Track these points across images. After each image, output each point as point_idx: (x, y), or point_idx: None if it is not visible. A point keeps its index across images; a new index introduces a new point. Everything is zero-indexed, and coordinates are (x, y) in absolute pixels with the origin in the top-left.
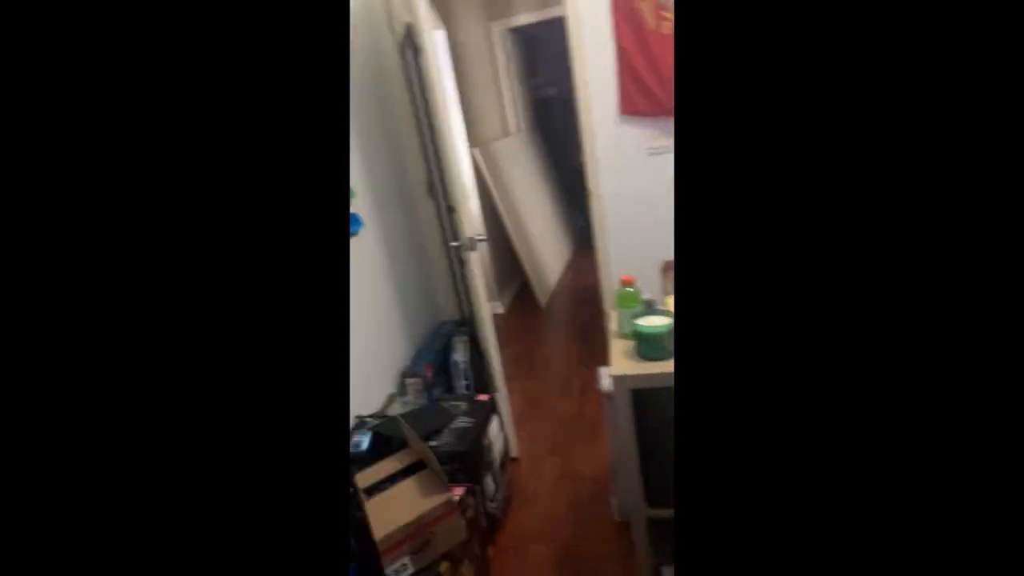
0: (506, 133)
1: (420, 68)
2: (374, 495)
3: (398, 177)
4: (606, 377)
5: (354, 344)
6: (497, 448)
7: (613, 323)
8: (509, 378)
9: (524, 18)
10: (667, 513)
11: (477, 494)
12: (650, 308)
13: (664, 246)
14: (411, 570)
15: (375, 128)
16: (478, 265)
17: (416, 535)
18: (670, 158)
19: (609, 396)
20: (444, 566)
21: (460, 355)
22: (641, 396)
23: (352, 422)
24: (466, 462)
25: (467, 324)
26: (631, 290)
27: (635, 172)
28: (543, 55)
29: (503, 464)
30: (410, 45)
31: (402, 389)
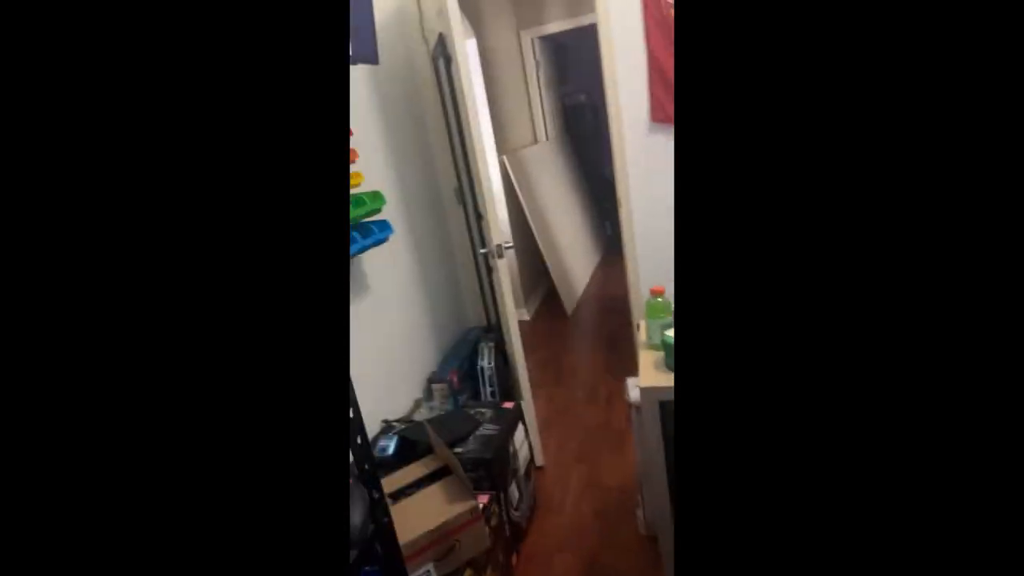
0: (535, 140)
1: (451, 77)
2: (399, 500)
3: (429, 184)
4: (634, 388)
5: (383, 349)
6: (522, 456)
7: (642, 333)
8: (535, 385)
9: (555, 26)
10: None
11: (502, 502)
12: None
13: None
14: None
15: (407, 136)
16: (505, 272)
17: (440, 541)
18: None
19: (637, 407)
20: (468, 573)
21: (486, 361)
22: (670, 408)
23: (379, 426)
24: (491, 469)
25: (494, 330)
26: (661, 300)
27: (665, 180)
28: (573, 62)
29: (528, 472)
30: (442, 54)
31: (428, 394)
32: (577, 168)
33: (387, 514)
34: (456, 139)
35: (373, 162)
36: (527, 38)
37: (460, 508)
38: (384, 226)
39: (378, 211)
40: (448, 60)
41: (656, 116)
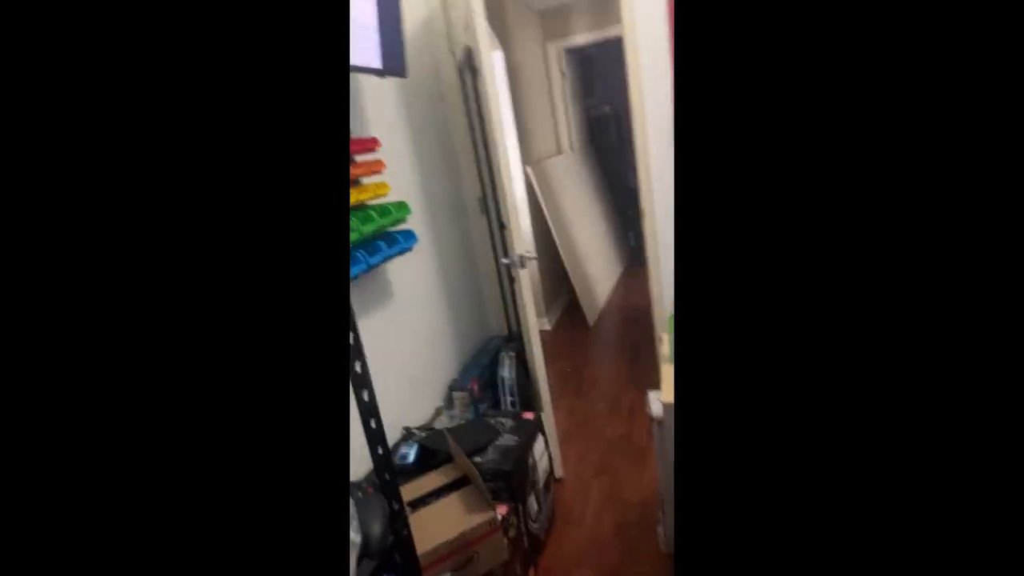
0: (559, 151)
1: (478, 89)
2: (418, 508)
3: (453, 194)
4: (656, 402)
5: (406, 356)
6: (541, 467)
7: (665, 346)
8: (555, 395)
9: (581, 38)
10: None
11: (520, 513)
12: None
13: None
14: None
15: (433, 147)
16: (527, 283)
17: (459, 552)
18: None
19: (659, 422)
20: None
21: (507, 371)
22: None
23: (399, 433)
24: (510, 481)
25: (515, 340)
26: None
27: None
28: (599, 74)
29: (547, 484)
30: (469, 67)
31: (449, 402)
32: (601, 178)
33: (406, 525)
34: (481, 150)
35: (399, 173)
36: (553, 50)
37: (479, 519)
38: (409, 235)
39: (403, 220)
40: (475, 73)
41: None
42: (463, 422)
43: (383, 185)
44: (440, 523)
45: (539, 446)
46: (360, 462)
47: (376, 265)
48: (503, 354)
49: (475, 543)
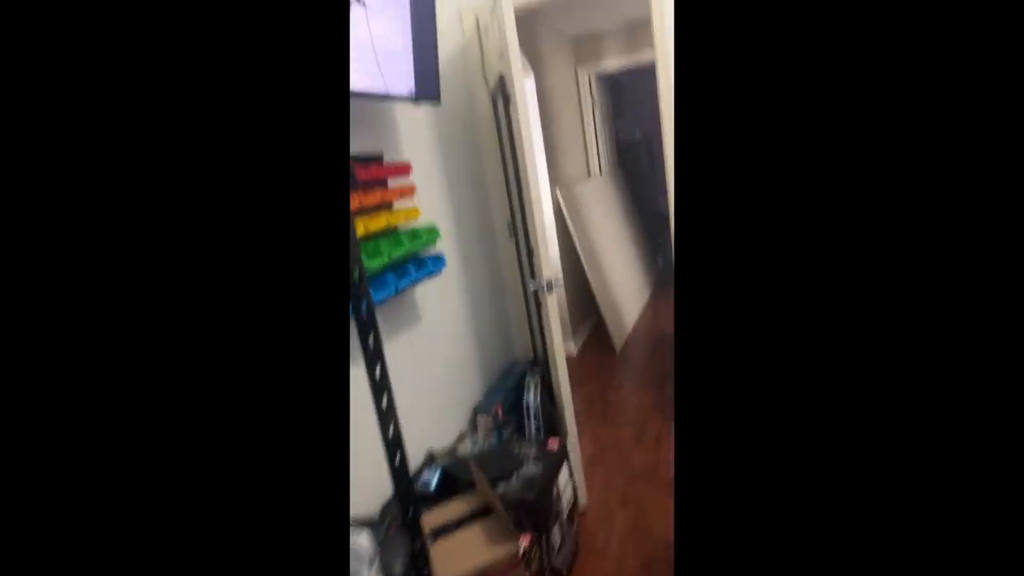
0: (589, 175)
1: (510, 116)
2: (439, 538)
3: (482, 218)
4: None
5: (431, 378)
6: (566, 498)
7: None
8: (580, 420)
9: (612, 63)
10: None
11: (543, 545)
12: None
13: None
14: None
15: (463, 172)
16: (555, 308)
17: None
18: None
19: None
20: None
21: (532, 396)
22: None
23: (422, 456)
24: (533, 511)
25: (540, 365)
26: None
27: None
28: (629, 99)
29: (571, 514)
30: (502, 94)
31: (473, 426)
32: (629, 203)
33: (427, 564)
34: (511, 175)
35: (430, 197)
36: (584, 75)
37: (500, 552)
38: (438, 259)
39: (433, 244)
40: (507, 99)
41: None
42: (487, 448)
43: (414, 210)
44: (461, 555)
45: (563, 475)
46: (383, 488)
47: (404, 289)
48: (528, 379)
49: None
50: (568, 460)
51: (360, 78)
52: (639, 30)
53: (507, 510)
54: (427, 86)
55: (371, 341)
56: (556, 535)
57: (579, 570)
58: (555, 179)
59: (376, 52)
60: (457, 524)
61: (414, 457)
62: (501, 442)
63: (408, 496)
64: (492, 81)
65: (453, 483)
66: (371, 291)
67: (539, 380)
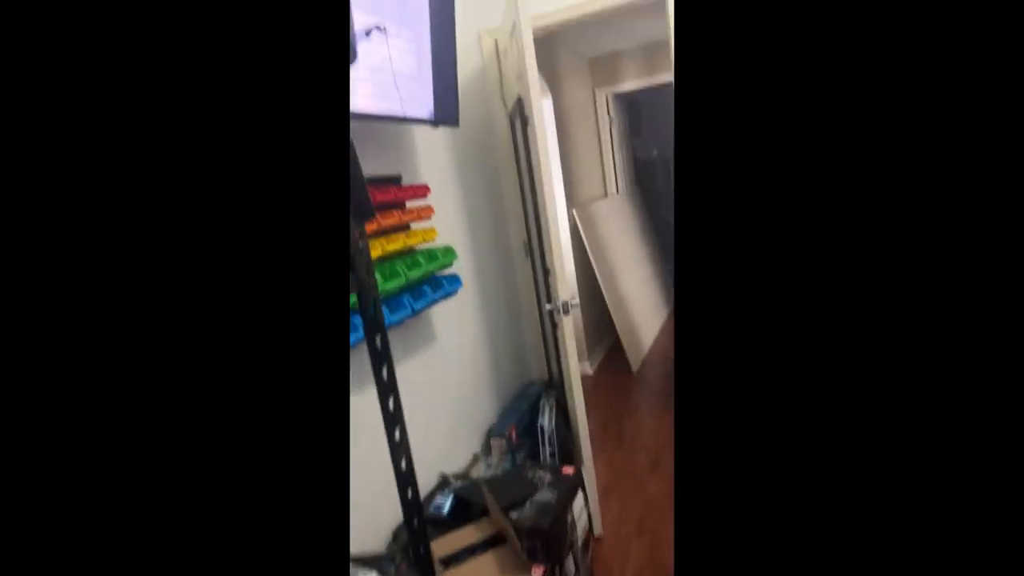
0: (606, 194)
1: (527, 137)
2: (450, 567)
3: (499, 238)
4: None
5: (446, 399)
6: (580, 526)
7: None
8: (595, 445)
9: (630, 84)
10: None
11: None
12: None
13: None
14: None
15: (481, 192)
16: (571, 330)
17: None
18: None
19: None
20: None
21: (547, 420)
22: None
23: (435, 479)
24: (547, 540)
25: (555, 386)
26: None
27: None
28: (646, 118)
29: (586, 543)
30: (520, 115)
31: (487, 449)
32: (646, 221)
33: None
34: (528, 195)
35: (447, 218)
36: (602, 95)
37: None
38: (454, 280)
39: (449, 265)
40: (525, 122)
41: None
42: (500, 472)
43: (431, 230)
44: None
45: (578, 503)
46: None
47: (420, 310)
48: (543, 402)
49: None
50: (584, 488)
51: (379, 102)
52: (657, 52)
53: (520, 538)
54: (446, 109)
55: (385, 373)
56: (570, 566)
57: None
58: (572, 198)
59: (395, 76)
60: (469, 552)
61: (426, 480)
62: (515, 466)
63: (420, 534)
64: (510, 102)
65: (466, 507)
66: (387, 312)
67: (554, 403)
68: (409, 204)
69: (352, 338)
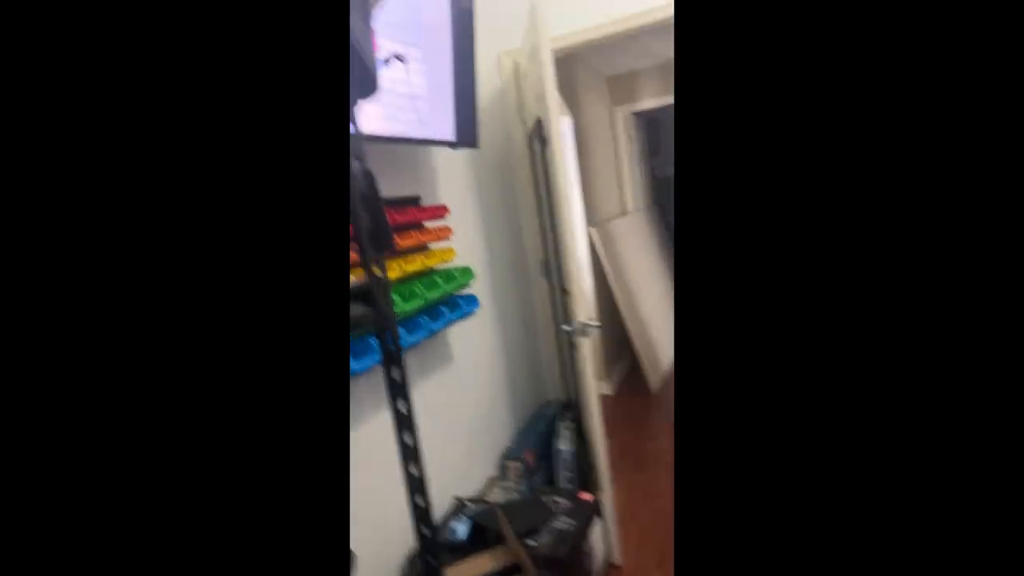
0: (624, 211)
1: (546, 157)
2: None
3: (516, 258)
4: None
5: (461, 420)
6: (599, 555)
7: None
8: (613, 469)
9: (648, 102)
10: None
11: None
12: None
13: None
14: None
15: (499, 212)
16: (589, 352)
17: None
18: None
19: None
20: None
21: (564, 444)
22: None
23: (450, 503)
24: (564, 570)
25: (572, 408)
26: None
27: None
28: (665, 136)
29: (604, 573)
30: (539, 136)
31: (503, 472)
32: (665, 239)
33: None
34: (546, 215)
35: (465, 238)
36: (620, 114)
37: None
38: (471, 300)
39: (467, 286)
40: (544, 142)
41: None
42: (516, 498)
43: (449, 250)
44: None
45: (597, 531)
46: (409, 534)
47: (438, 331)
48: (560, 424)
49: None
50: (602, 515)
51: (399, 125)
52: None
53: (537, 566)
54: (466, 131)
55: (402, 406)
56: None
57: None
58: (590, 216)
59: (416, 99)
60: None
61: (441, 502)
62: (531, 490)
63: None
64: (529, 122)
65: (482, 534)
66: (405, 333)
67: (572, 426)
68: (428, 225)
69: (368, 361)
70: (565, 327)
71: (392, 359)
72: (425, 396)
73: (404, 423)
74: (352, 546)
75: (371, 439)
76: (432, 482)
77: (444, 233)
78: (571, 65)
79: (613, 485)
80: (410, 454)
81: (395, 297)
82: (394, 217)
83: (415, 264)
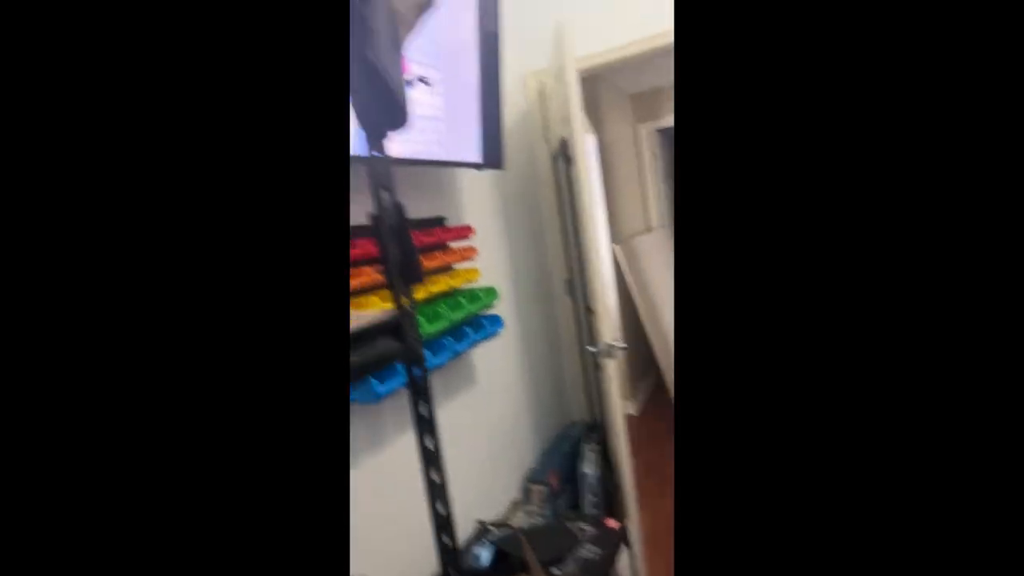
0: (648, 228)
1: (571, 177)
2: None
3: (540, 277)
4: None
5: (485, 442)
6: None
7: None
8: (639, 492)
9: (672, 120)
10: None
11: None
12: None
13: None
14: None
15: (523, 232)
16: (615, 374)
17: None
18: None
19: None
20: None
21: (589, 467)
22: None
23: (473, 526)
24: None
25: (597, 429)
26: None
27: None
28: None
29: None
30: (564, 156)
31: (526, 495)
32: None
33: None
34: (571, 235)
35: (490, 258)
36: (644, 131)
37: None
38: (495, 320)
39: (491, 306)
40: (569, 162)
41: None
42: (540, 521)
43: (474, 271)
44: None
45: (624, 560)
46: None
47: (462, 352)
48: (585, 446)
49: None
50: (629, 543)
51: (426, 148)
52: None
53: None
54: (492, 153)
55: (429, 443)
56: None
57: None
58: (614, 233)
59: (443, 122)
60: None
61: (464, 525)
62: (555, 515)
63: None
64: (554, 141)
65: (505, 560)
66: (429, 355)
67: (596, 448)
68: (453, 245)
69: (394, 384)
70: (590, 348)
71: (420, 392)
72: (449, 417)
73: (431, 460)
74: (372, 570)
75: (395, 461)
76: (455, 503)
77: (469, 253)
78: (595, 84)
79: (640, 510)
80: (437, 492)
81: (420, 318)
82: (419, 238)
83: (440, 285)
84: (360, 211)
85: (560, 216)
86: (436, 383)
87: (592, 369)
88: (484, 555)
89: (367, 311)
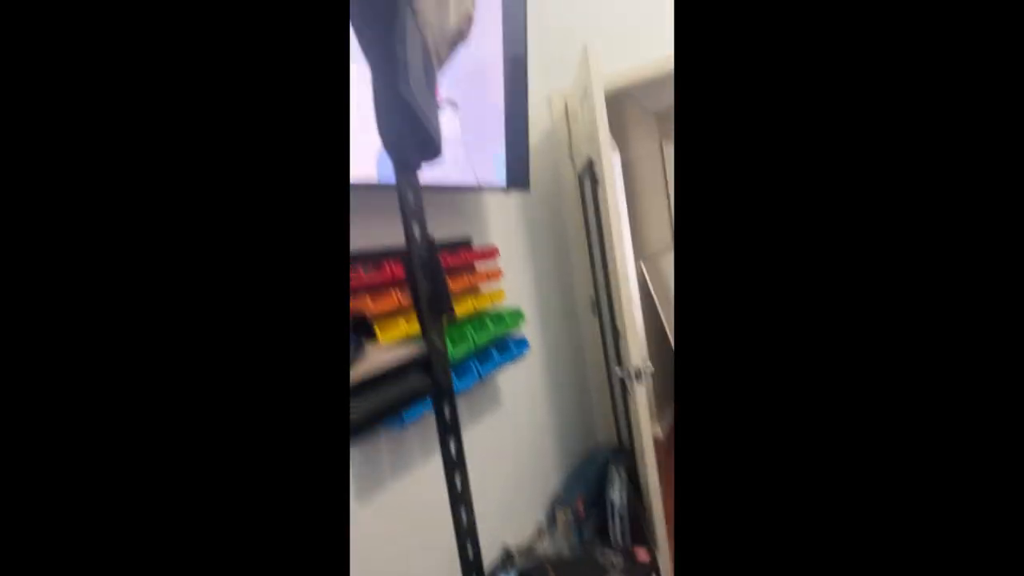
0: (673, 244)
1: (597, 196)
2: None
3: (565, 296)
4: None
5: (510, 466)
6: None
7: None
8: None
9: None
10: None
11: None
12: None
13: None
14: None
15: (548, 252)
16: (643, 398)
17: None
18: None
19: None
20: None
21: (617, 494)
22: None
23: (498, 551)
24: None
25: (625, 454)
26: None
27: None
28: None
29: None
30: (590, 176)
31: (552, 520)
32: None
33: None
34: (596, 253)
35: (515, 278)
36: (668, 148)
37: None
38: (521, 343)
39: (516, 327)
40: (595, 182)
41: None
42: (566, 551)
43: (499, 292)
44: None
45: None
46: None
47: (487, 374)
48: (612, 470)
49: None
50: (659, 574)
51: (451, 171)
52: None
53: None
54: (518, 174)
55: (459, 483)
56: None
57: None
58: (639, 250)
59: (469, 147)
60: None
61: (488, 551)
62: (582, 542)
63: None
64: (579, 162)
65: None
66: (455, 379)
67: (624, 473)
68: (479, 266)
69: (421, 408)
70: (617, 371)
71: (448, 430)
72: (474, 441)
73: (458, 499)
74: None
75: (420, 484)
76: (479, 528)
77: (494, 275)
78: (620, 102)
79: (669, 539)
80: (464, 534)
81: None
82: (446, 260)
83: (465, 307)
84: (390, 235)
85: (586, 236)
86: (461, 405)
87: (619, 390)
88: None
89: (395, 345)
